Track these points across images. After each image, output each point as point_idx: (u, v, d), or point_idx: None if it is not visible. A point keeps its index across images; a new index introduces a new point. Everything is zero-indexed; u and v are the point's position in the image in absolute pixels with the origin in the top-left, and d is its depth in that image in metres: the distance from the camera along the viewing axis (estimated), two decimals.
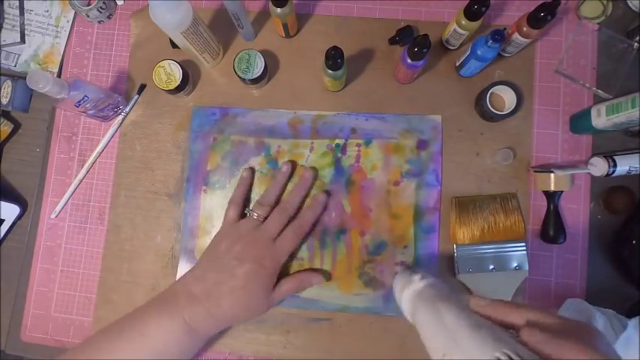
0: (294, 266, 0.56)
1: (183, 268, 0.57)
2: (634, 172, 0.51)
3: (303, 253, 0.56)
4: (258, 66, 0.54)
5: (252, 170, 0.57)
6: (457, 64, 0.56)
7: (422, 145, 0.56)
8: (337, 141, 0.57)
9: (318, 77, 0.58)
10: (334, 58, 0.48)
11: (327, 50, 0.48)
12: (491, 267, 0.53)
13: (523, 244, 0.54)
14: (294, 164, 0.56)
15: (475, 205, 0.54)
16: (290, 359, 0.55)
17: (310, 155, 0.57)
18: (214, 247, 0.52)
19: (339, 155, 0.57)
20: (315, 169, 0.56)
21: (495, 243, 0.54)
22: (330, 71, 0.50)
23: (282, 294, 0.52)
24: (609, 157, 0.51)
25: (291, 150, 0.57)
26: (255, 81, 0.55)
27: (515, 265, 0.53)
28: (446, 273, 0.55)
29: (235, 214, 0.53)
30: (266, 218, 0.52)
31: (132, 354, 0.45)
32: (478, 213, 0.54)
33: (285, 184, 0.56)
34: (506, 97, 0.55)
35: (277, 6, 0.50)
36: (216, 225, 0.57)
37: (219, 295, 0.48)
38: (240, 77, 0.54)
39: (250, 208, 0.53)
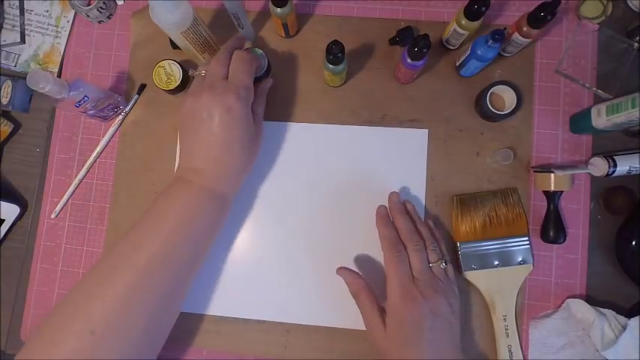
0: None
1: None
2: (634, 172, 0.51)
3: None
4: (262, 66, 0.54)
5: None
6: (457, 64, 0.56)
7: None
8: None
9: (319, 77, 0.58)
10: (335, 52, 0.48)
11: (328, 44, 0.48)
12: (496, 263, 0.53)
13: (526, 238, 0.54)
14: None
15: (476, 201, 0.54)
16: (290, 359, 0.55)
17: None
18: (182, 121, 0.50)
19: None
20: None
21: (498, 239, 0.54)
22: (330, 66, 0.50)
23: (258, 105, 0.52)
24: (609, 157, 0.51)
25: None
26: (258, 80, 0.55)
27: (519, 259, 0.53)
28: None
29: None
30: None
31: (161, 229, 0.45)
32: (480, 209, 0.54)
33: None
34: (506, 97, 0.55)
35: (277, 6, 0.50)
36: None
37: (211, 152, 0.47)
38: None
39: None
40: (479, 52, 0.50)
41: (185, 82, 0.55)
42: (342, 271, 0.51)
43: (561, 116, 0.56)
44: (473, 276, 0.54)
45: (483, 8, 0.47)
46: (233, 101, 0.46)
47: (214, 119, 0.46)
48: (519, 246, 0.54)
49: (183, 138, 0.50)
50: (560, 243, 0.53)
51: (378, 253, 0.55)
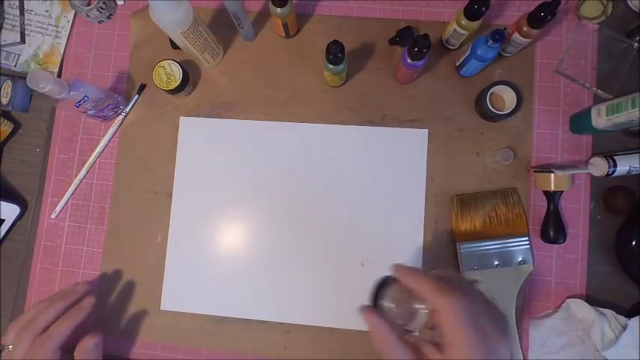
0: None
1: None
2: (634, 172, 0.51)
3: None
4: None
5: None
6: (457, 64, 0.56)
7: None
8: None
9: (319, 77, 0.58)
10: (335, 52, 0.48)
11: (328, 44, 0.48)
12: (496, 263, 0.53)
13: (526, 238, 0.54)
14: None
15: (476, 201, 0.55)
16: (290, 359, 0.55)
17: None
18: None
19: None
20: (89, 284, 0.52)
21: (498, 239, 0.54)
22: (330, 66, 0.50)
23: None
24: (609, 157, 0.51)
25: None
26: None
27: (519, 259, 0.53)
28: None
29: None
30: None
31: None
32: (480, 209, 0.54)
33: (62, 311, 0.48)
34: (506, 97, 0.55)
35: (277, 6, 0.50)
36: None
37: None
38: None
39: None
40: (479, 52, 0.50)
41: (185, 82, 0.55)
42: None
43: (561, 116, 0.56)
44: (473, 276, 0.54)
45: (483, 8, 0.47)
46: None
47: None
48: (519, 246, 0.54)
49: None
50: (560, 243, 0.53)
51: (377, 253, 0.55)
